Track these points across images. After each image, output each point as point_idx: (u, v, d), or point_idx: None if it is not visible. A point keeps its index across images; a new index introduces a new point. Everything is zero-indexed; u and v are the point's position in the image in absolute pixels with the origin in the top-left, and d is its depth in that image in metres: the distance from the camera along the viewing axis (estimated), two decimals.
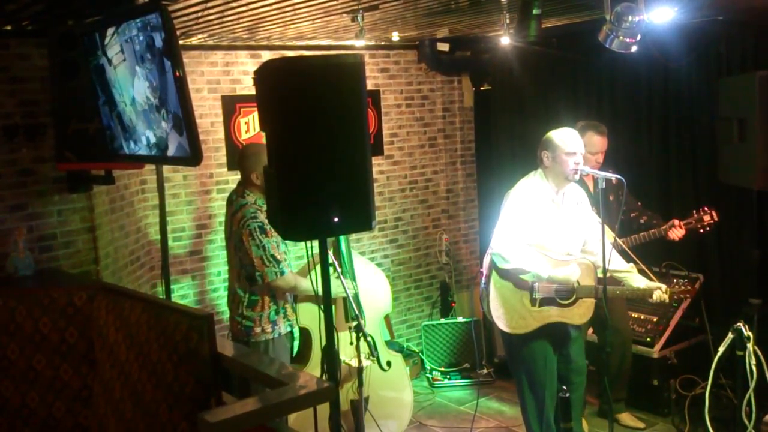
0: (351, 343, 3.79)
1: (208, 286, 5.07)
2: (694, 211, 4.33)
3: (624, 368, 4.53)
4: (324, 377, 3.84)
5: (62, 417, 3.10)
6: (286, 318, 3.78)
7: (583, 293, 3.72)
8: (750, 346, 3.60)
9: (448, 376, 5.52)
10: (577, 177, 3.67)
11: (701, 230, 4.31)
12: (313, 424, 3.00)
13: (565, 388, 3.68)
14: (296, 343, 4.24)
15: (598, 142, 4.33)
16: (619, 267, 3.87)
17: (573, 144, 3.65)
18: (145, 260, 4.77)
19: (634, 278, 3.85)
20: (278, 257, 3.60)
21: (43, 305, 3.12)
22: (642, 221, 4.45)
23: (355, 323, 3.68)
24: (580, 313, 3.76)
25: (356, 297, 3.97)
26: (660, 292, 3.69)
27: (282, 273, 3.60)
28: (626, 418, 4.59)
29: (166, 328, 2.59)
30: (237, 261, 3.73)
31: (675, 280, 4.35)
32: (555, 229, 3.72)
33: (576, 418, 3.96)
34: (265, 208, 3.72)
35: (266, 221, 3.59)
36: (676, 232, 4.28)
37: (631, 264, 3.90)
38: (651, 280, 3.90)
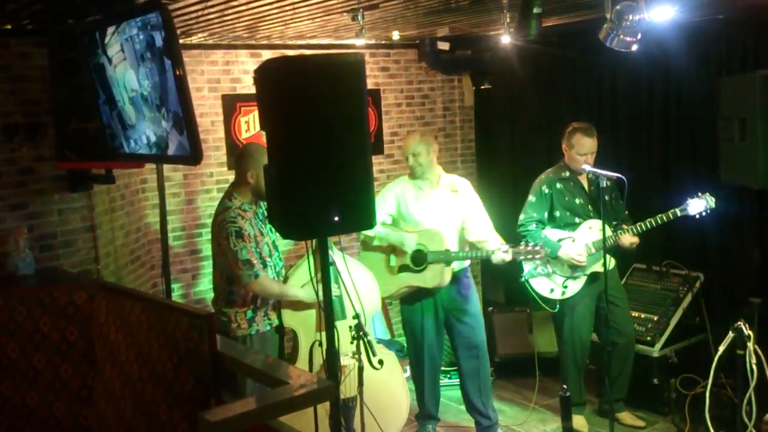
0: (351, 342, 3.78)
1: (208, 285, 5.07)
2: (689, 198, 4.18)
3: (626, 369, 4.52)
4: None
5: (62, 416, 3.10)
6: (266, 317, 3.78)
7: (433, 258, 4.21)
8: (750, 345, 3.60)
9: (448, 376, 5.50)
10: (419, 172, 4.27)
11: (697, 216, 4.15)
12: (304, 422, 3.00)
13: (565, 387, 3.69)
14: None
15: (587, 143, 4.32)
16: (482, 238, 4.30)
17: (405, 152, 4.34)
18: (145, 259, 4.77)
19: (491, 246, 4.24)
20: (253, 261, 3.59)
21: (43, 305, 3.12)
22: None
23: (356, 323, 3.67)
24: (431, 276, 4.26)
25: (340, 298, 3.95)
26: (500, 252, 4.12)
27: (256, 276, 3.59)
28: (626, 417, 4.59)
29: (167, 328, 2.59)
30: (219, 261, 3.77)
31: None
32: (418, 209, 4.33)
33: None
34: (252, 211, 3.70)
35: (245, 226, 3.60)
36: (626, 239, 4.27)
37: (501, 242, 4.25)
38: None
